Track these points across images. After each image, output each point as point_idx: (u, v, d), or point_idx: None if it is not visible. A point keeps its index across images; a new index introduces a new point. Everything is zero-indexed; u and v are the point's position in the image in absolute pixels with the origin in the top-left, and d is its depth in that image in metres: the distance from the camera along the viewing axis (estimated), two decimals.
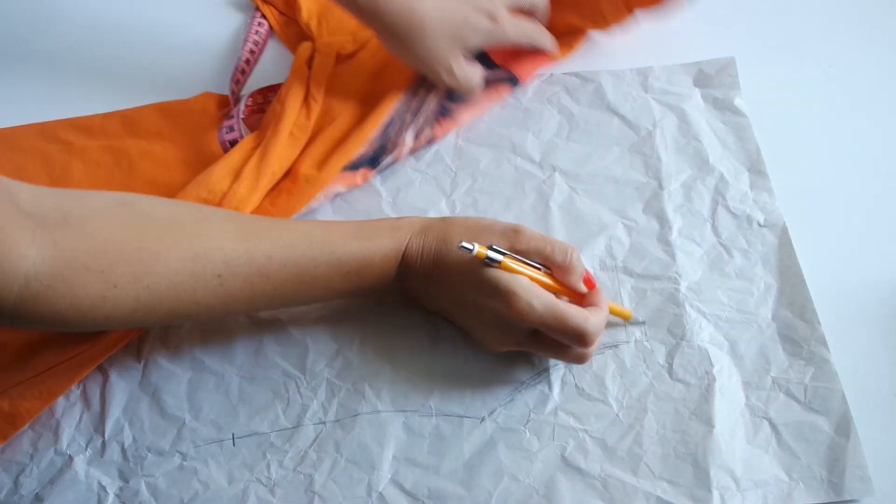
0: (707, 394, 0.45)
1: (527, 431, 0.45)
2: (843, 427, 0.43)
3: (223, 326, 0.50)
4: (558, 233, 0.52)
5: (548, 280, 0.44)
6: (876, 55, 0.59)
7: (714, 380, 0.45)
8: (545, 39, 0.58)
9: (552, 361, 0.47)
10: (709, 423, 0.44)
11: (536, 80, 0.59)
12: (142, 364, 0.49)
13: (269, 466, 0.45)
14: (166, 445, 0.46)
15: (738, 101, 0.56)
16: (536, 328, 0.43)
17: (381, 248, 0.45)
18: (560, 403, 0.46)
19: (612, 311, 0.47)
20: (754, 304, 0.48)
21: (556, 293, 0.44)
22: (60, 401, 0.47)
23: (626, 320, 0.48)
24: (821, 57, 0.59)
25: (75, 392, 0.48)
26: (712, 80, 0.58)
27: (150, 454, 0.46)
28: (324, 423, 0.46)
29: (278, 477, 0.44)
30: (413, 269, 0.45)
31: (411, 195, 0.55)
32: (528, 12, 0.57)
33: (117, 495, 0.44)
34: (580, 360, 0.44)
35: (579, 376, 0.46)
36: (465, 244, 0.41)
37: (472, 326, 0.46)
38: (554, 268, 0.44)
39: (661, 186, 0.53)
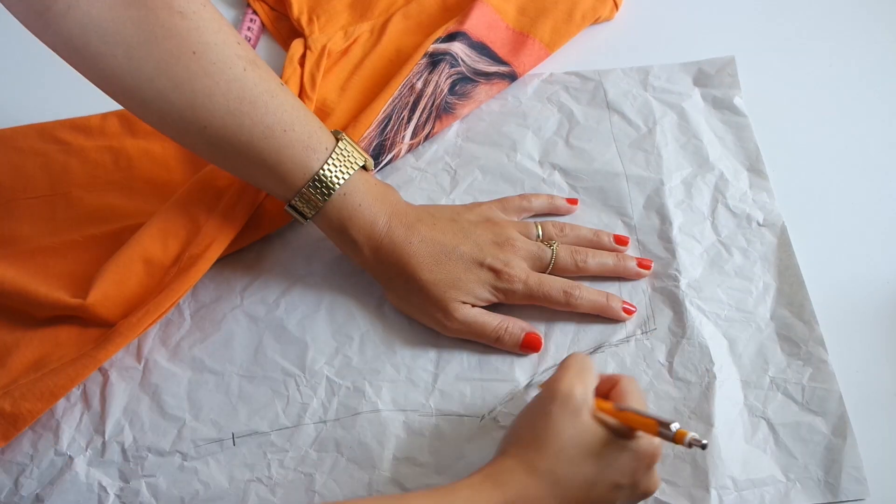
0: (707, 392, 0.45)
1: None
2: (840, 428, 0.44)
3: (223, 326, 0.50)
4: None
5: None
6: (876, 55, 0.59)
7: (714, 378, 0.46)
8: (564, 298, 0.48)
9: (552, 360, 0.47)
10: (708, 421, 0.44)
11: (536, 80, 0.59)
12: (142, 364, 0.49)
13: (269, 466, 0.45)
14: (167, 445, 0.46)
15: (737, 101, 0.56)
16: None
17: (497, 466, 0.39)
18: None
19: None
20: (753, 304, 0.48)
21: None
22: (61, 401, 0.47)
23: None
24: (821, 56, 0.59)
25: (75, 393, 0.48)
26: (712, 79, 0.58)
27: (150, 454, 0.46)
28: (324, 421, 0.46)
29: (279, 476, 0.45)
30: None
31: (411, 193, 0.55)
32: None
33: (118, 496, 0.44)
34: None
35: None
36: (675, 425, 0.37)
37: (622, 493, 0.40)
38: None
39: (661, 182, 0.53)
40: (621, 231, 0.52)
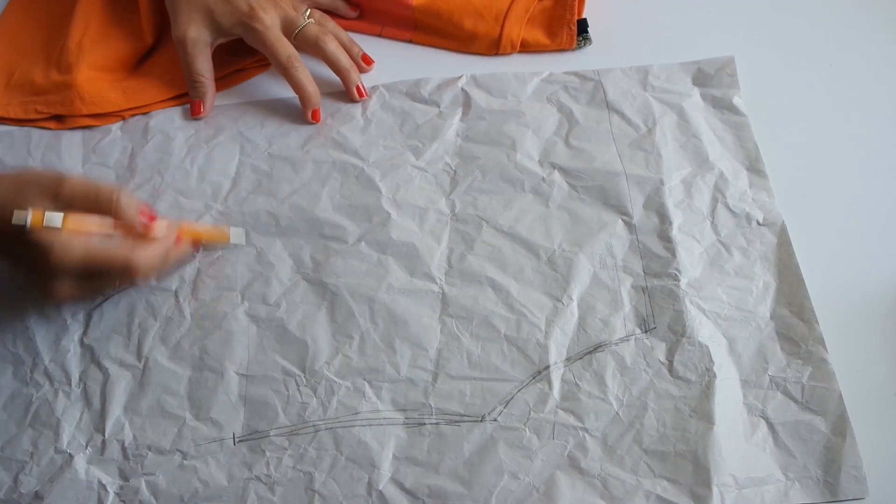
0: (707, 391, 0.45)
1: (527, 430, 0.45)
2: (840, 427, 0.43)
3: (223, 325, 0.50)
4: (558, 231, 0.52)
5: (90, 218, 0.45)
6: (876, 55, 0.59)
7: (714, 377, 0.45)
8: (286, 59, 0.57)
9: (553, 359, 0.47)
10: (709, 420, 0.44)
11: (536, 79, 0.59)
12: (142, 363, 0.49)
13: (268, 465, 0.45)
14: (166, 444, 0.46)
15: (736, 100, 0.56)
16: (85, 272, 0.45)
17: None
18: (560, 401, 0.46)
19: (207, 238, 0.51)
20: (753, 303, 0.48)
21: (123, 237, 0.46)
22: (61, 399, 0.47)
23: (225, 242, 0.51)
24: (821, 56, 0.59)
25: (75, 390, 0.48)
26: (711, 79, 0.58)
27: (150, 453, 0.46)
28: (323, 421, 0.46)
29: (278, 475, 0.45)
30: None
31: (411, 193, 0.55)
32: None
33: (117, 494, 0.44)
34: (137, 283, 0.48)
35: (579, 374, 0.46)
36: (17, 216, 0.42)
37: (30, 277, 0.48)
38: (105, 212, 0.45)
39: (661, 182, 0.53)
40: (621, 231, 0.52)
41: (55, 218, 0.42)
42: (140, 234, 0.47)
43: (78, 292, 0.47)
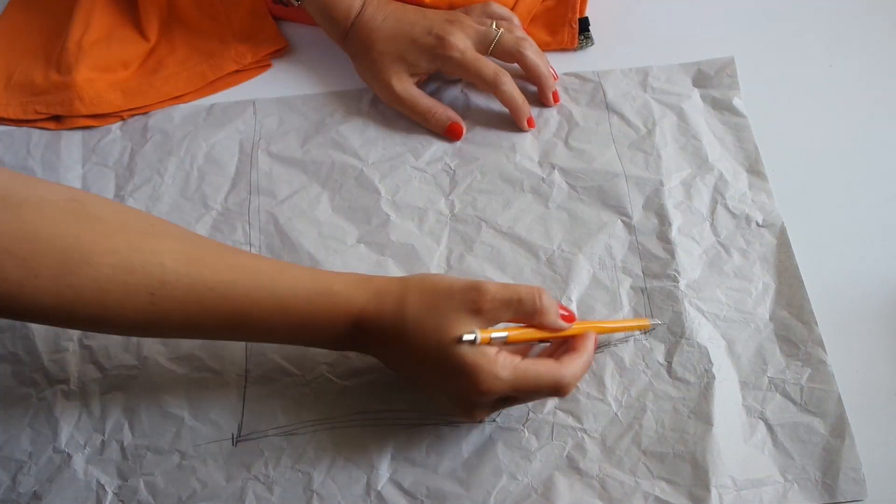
0: (706, 392, 0.45)
1: (525, 431, 0.45)
2: (839, 429, 0.43)
3: None
4: (557, 232, 0.52)
5: (528, 331, 0.42)
6: (876, 55, 0.59)
7: (713, 378, 0.45)
8: (494, 76, 0.54)
9: None
10: (707, 421, 0.44)
11: (533, 83, 0.59)
12: (141, 363, 0.49)
13: (267, 465, 0.45)
14: (165, 444, 0.46)
15: (736, 101, 0.56)
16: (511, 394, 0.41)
17: (332, 306, 0.42)
18: (559, 402, 0.46)
19: (624, 329, 0.47)
20: (752, 304, 0.48)
21: (541, 340, 0.43)
22: (59, 399, 0.47)
23: (646, 329, 0.47)
24: (821, 56, 0.59)
25: (74, 390, 0.48)
26: (711, 79, 0.58)
27: (148, 453, 0.46)
28: (322, 421, 0.46)
29: (276, 475, 0.45)
30: (371, 334, 0.42)
31: (410, 194, 0.55)
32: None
33: (116, 493, 0.44)
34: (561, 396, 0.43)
35: None
36: (466, 337, 0.39)
37: (443, 403, 0.44)
38: (527, 316, 0.41)
39: (660, 184, 0.53)
40: (621, 232, 0.52)
41: (501, 334, 0.40)
42: (568, 342, 0.43)
43: (498, 408, 0.44)
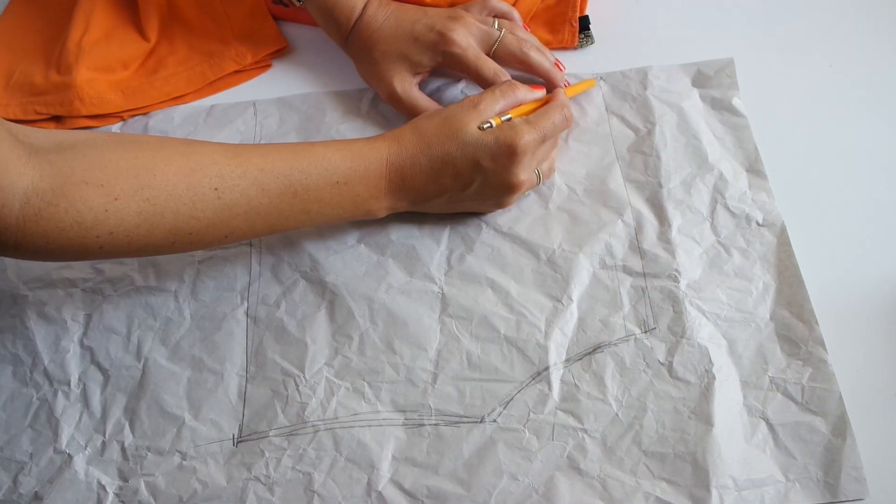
0: (707, 392, 0.45)
1: (526, 431, 0.45)
2: (840, 428, 0.43)
3: (223, 325, 0.50)
4: (557, 233, 0.52)
5: (524, 107, 0.52)
6: (876, 55, 0.59)
7: (714, 378, 0.45)
8: (493, 75, 0.55)
9: (552, 360, 0.47)
10: (708, 421, 0.44)
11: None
12: (141, 363, 0.49)
13: (267, 465, 0.45)
14: (166, 445, 0.46)
15: (735, 102, 0.56)
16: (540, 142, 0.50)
17: (364, 157, 0.48)
18: (559, 403, 0.46)
19: (579, 90, 0.56)
20: (752, 304, 0.48)
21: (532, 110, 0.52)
22: (60, 399, 0.47)
23: (592, 85, 0.56)
24: (821, 56, 0.59)
25: (75, 391, 0.48)
26: (710, 80, 0.58)
27: (149, 453, 0.46)
28: (323, 421, 0.46)
29: (277, 476, 0.45)
30: (405, 169, 0.49)
31: None
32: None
33: (117, 494, 0.44)
34: (563, 128, 0.52)
35: (579, 376, 0.46)
36: (485, 126, 0.48)
37: (488, 196, 0.51)
38: (512, 102, 0.51)
39: (660, 184, 0.53)
40: (621, 232, 0.52)
41: (507, 116, 0.50)
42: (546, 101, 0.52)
43: (530, 174, 0.50)
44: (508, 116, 0.49)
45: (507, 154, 0.48)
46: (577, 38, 0.61)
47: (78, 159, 0.40)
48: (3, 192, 0.38)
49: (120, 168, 0.41)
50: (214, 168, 0.43)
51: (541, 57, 0.57)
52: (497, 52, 0.56)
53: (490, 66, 0.55)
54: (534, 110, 0.51)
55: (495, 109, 0.50)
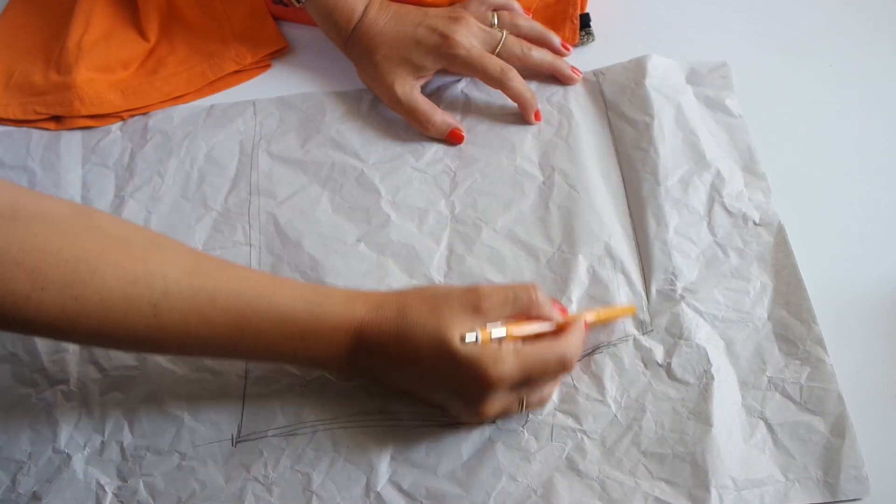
0: (706, 393, 0.45)
1: (525, 432, 0.45)
2: (839, 427, 0.43)
3: None
4: (557, 234, 0.52)
5: (525, 325, 0.43)
6: (875, 55, 0.59)
7: (712, 379, 0.45)
8: (500, 72, 0.55)
9: None
10: (707, 422, 0.44)
11: (535, 82, 0.59)
12: (141, 363, 0.49)
13: (266, 465, 0.45)
14: (165, 445, 0.46)
15: (729, 102, 0.56)
16: (521, 380, 0.42)
17: (332, 316, 0.42)
18: (558, 404, 0.46)
19: (613, 316, 0.48)
20: (750, 304, 0.48)
21: (537, 334, 0.43)
22: (59, 400, 0.47)
23: (633, 314, 0.48)
24: (820, 56, 0.59)
25: (74, 391, 0.48)
26: (704, 79, 0.58)
27: (148, 453, 0.46)
28: (322, 422, 0.46)
29: (276, 476, 0.45)
30: (372, 346, 0.42)
31: (410, 194, 0.55)
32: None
33: (115, 494, 0.44)
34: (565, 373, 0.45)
35: (577, 377, 0.46)
36: (468, 338, 0.40)
37: (453, 405, 0.44)
38: (523, 311, 0.43)
39: (658, 182, 0.53)
40: (620, 232, 0.52)
41: (500, 331, 0.41)
42: (559, 329, 0.44)
43: (508, 404, 0.43)
44: (502, 333, 0.41)
45: (475, 382, 0.41)
46: (577, 36, 0.61)
47: (21, 235, 0.38)
48: None
49: (59, 258, 0.38)
50: (161, 283, 0.40)
51: (542, 55, 0.57)
52: (499, 54, 0.56)
53: (496, 64, 0.55)
54: (539, 333, 0.43)
55: (500, 315, 0.42)
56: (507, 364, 0.40)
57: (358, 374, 0.45)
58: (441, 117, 0.56)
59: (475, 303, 0.41)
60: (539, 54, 0.57)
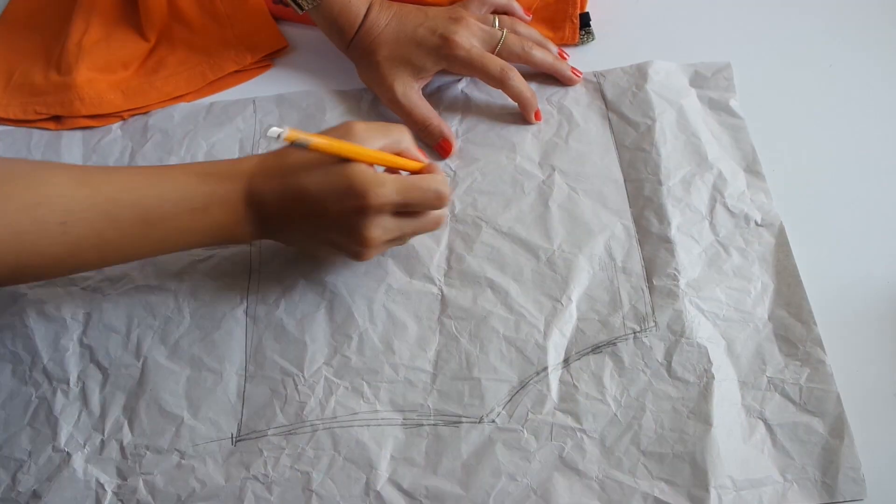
0: (706, 392, 0.45)
1: (525, 431, 0.45)
2: (838, 429, 0.43)
3: (222, 324, 0.50)
4: (557, 232, 0.52)
5: (344, 145, 0.44)
6: (875, 55, 0.59)
7: (713, 378, 0.45)
8: (500, 72, 0.55)
9: (551, 360, 0.47)
10: (707, 421, 0.44)
11: (535, 81, 0.59)
12: (140, 362, 0.49)
13: (266, 464, 0.45)
14: (164, 443, 0.46)
15: (732, 103, 0.56)
16: (397, 210, 0.45)
17: (225, 180, 0.45)
18: (558, 403, 0.46)
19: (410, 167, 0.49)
20: (751, 304, 0.48)
21: (352, 158, 0.44)
22: (59, 398, 0.47)
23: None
24: (820, 56, 0.59)
25: (74, 389, 0.48)
26: (708, 81, 0.58)
27: (148, 452, 0.46)
28: (322, 421, 0.46)
29: (276, 475, 0.45)
30: (264, 193, 0.45)
31: None
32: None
33: (115, 493, 0.44)
34: (438, 223, 0.48)
35: (577, 376, 0.46)
36: (271, 131, 0.39)
37: (341, 242, 0.46)
38: (395, 148, 0.46)
39: (660, 182, 0.53)
40: (620, 232, 0.52)
41: (305, 138, 0.41)
42: (422, 169, 0.48)
43: (391, 234, 0.46)
44: (308, 138, 0.42)
45: (358, 204, 0.43)
46: (577, 35, 0.61)
47: None
48: None
49: None
50: (61, 201, 0.41)
51: (543, 54, 0.57)
52: (500, 53, 0.56)
53: (496, 64, 0.55)
54: (356, 158, 0.45)
55: (372, 142, 0.45)
56: (387, 187, 0.44)
57: (262, 233, 0.47)
58: (437, 123, 0.56)
59: (347, 129, 0.45)
60: (540, 53, 0.57)
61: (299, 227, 0.46)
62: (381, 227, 0.45)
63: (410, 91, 0.56)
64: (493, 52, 0.56)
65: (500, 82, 0.56)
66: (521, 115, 0.57)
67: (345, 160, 0.43)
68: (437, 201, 0.46)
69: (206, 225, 0.45)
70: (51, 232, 0.40)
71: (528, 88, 0.56)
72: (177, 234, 0.44)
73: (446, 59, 0.55)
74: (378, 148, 0.45)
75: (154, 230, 0.43)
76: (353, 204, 0.43)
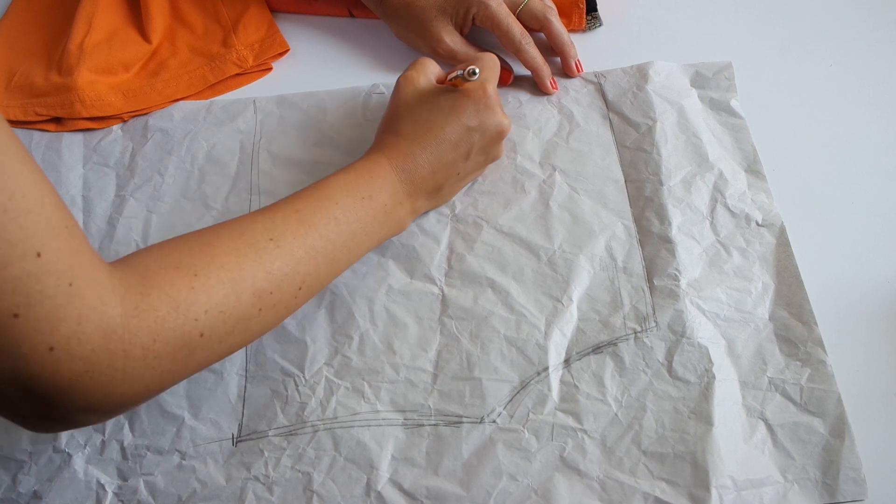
0: (707, 392, 0.45)
1: (525, 431, 0.45)
2: (839, 429, 0.43)
3: None
4: (558, 232, 0.52)
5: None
6: (876, 55, 0.59)
7: (714, 378, 0.45)
8: (520, 36, 0.57)
9: (552, 360, 0.47)
10: (708, 421, 0.44)
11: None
12: None
13: (267, 465, 0.45)
14: (165, 444, 0.46)
15: (734, 103, 0.56)
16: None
17: (371, 170, 0.48)
18: (559, 403, 0.46)
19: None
20: (752, 304, 0.48)
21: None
22: None
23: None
24: (821, 56, 0.59)
25: None
26: (709, 81, 0.58)
27: (148, 453, 0.46)
28: (322, 421, 0.46)
29: (276, 475, 0.45)
30: (410, 168, 0.49)
31: None
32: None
33: (116, 494, 0.44)
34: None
35: (578, 376, 0.46)
36: (451, 75, 0.49)
37: (481, 161, 0.53)
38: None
39: (660, 182, 0.53)
40: (621, 232, 0.52)
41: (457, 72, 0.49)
42: None
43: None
44: (472, 69, 0.48)
45: (485, 105, 0.49)
46: (584, 21, 0.62)
47: (143, 255, 0.39)
48: (102, 288, 0.34)
49: (181, 249, 0.40)
50: (259, 223, 0.43)
51: (561, 26, 0.58)
52: (521, 15, 0.58)
53: (518, 29, 0.57)
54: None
55: (424, 71, 0.51)
56: (485, 78, 0.50)
57: (417, 200, 0.50)
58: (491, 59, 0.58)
59: (413, 77, 0.51)
60: (559, 24, 0.58)
61: (452, 172, 0.51)
62: (501, 110, 0.51)
63: (457, 38, 0.58)
64: (515, 14, 0.58)
65: (517, 47, 0.57)
66: (523, 115, 0.57)
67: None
68: (498, 68, 0.53)
69: (378, 211, 0.47)
70: (265, 248, 0.42)
71: (542, 57, 0.58)
72: (361, 224, 0.47)
73: (477, 6, 0.57)
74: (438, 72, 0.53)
75: (343, 226, 0.46)
76: (484, 107, 0.50)
